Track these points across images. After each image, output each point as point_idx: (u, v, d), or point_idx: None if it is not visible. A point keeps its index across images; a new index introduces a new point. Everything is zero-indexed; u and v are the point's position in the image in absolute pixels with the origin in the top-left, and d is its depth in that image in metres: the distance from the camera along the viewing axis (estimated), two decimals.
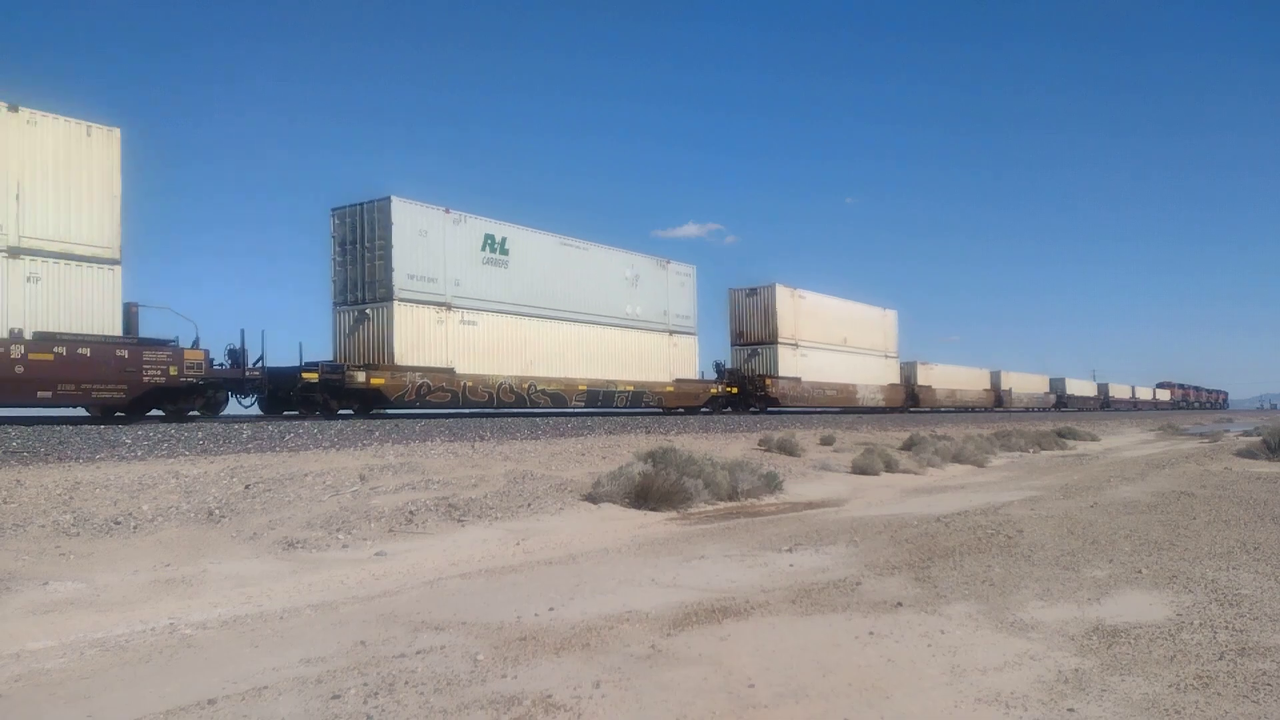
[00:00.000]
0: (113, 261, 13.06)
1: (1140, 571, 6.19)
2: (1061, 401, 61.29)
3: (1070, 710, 3.58)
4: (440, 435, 14.24)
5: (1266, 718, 3.49)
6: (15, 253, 12.08)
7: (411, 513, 8.74)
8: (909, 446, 19.62)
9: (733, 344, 31.24)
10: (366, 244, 17.95)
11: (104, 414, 13.83)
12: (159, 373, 13.43)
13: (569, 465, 12.65)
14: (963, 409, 47.54)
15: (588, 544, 8.04)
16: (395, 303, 17.47)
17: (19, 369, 11.76)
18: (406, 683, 4.00)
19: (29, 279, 12.15)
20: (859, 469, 15.46)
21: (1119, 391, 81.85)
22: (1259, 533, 7.82)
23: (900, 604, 5.36)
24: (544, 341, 20.93)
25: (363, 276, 17.95)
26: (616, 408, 22.97)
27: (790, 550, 7.31)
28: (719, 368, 29.30)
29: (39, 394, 12.08)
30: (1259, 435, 20.54)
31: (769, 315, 30.23)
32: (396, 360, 17.37)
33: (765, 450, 17.03)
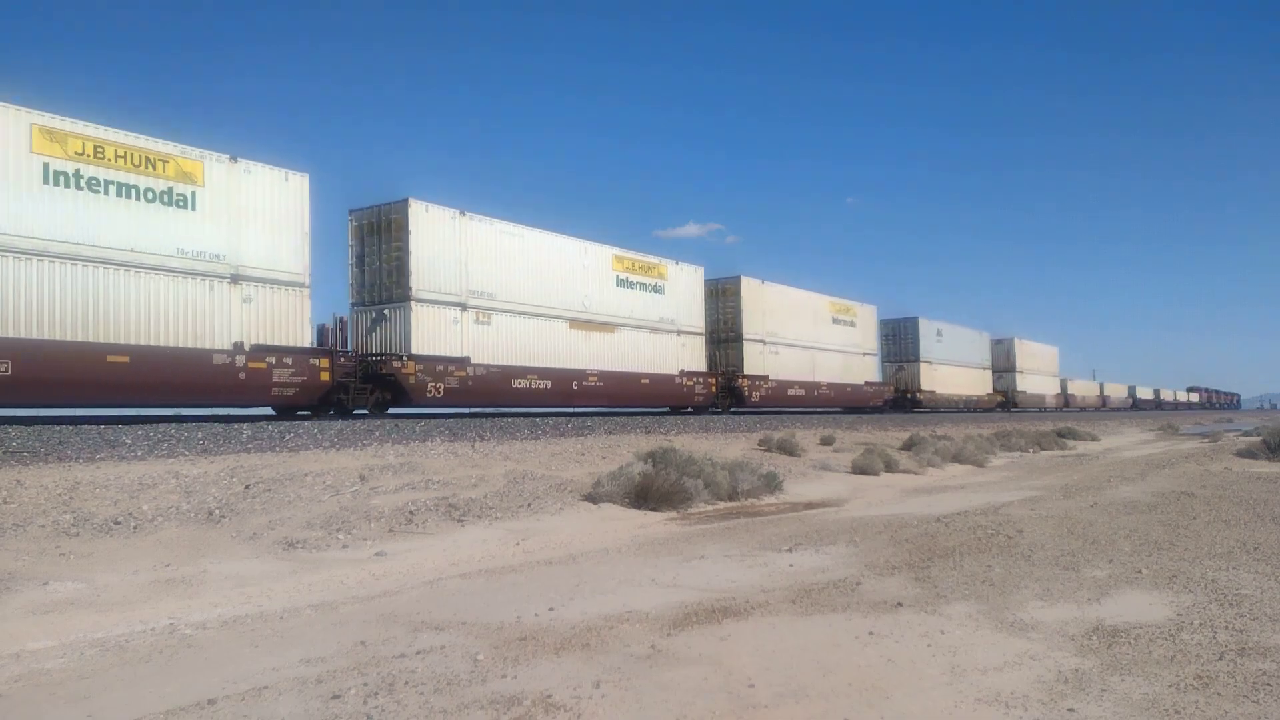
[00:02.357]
0: (303, 285, 15.81)
1: (1140, 571, 6.19)
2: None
3: (1070, 710, 3.58)
4: (440, 435, 14.24)
5: (1266, 718, 3.49)
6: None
7: (411, 513, 8.74)
8: (909, 446, 19.63)
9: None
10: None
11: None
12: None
13: (569, 465, 12.65)
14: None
15: (588, 544, 8.04)
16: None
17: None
18: (406, 683, 4.00)
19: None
20: (859, 469, 15.46)
21: (1143, 393, 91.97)
22: (1259, 533, 7.82)
23: (900, 604, 5.36)
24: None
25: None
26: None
27: (790, 550, 7.31)
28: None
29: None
30: (1259, 435, 20.55)
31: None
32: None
33: (765, 450, 17.03)
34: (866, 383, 36.82)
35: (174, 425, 12.86)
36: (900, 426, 26.96)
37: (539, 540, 8.26)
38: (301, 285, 15.64)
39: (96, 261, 12.92)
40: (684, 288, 26.50)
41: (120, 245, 13.19)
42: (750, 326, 29.27)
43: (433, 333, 18.31)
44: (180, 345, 13.78)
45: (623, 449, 14.48)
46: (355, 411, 17.15)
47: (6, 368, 11.86)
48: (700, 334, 27.15)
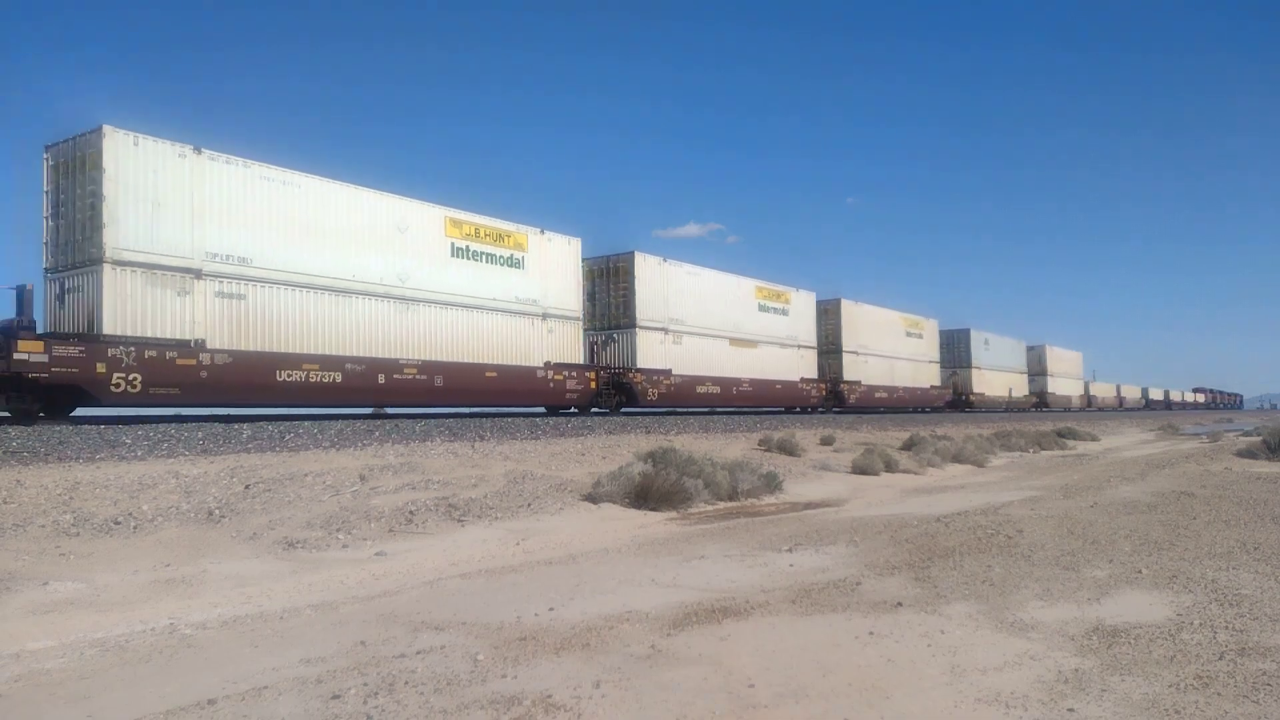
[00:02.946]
0: (578, 319, 22.67)
1: (1140, 571, 6.19)
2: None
3: (1070, 710, 3.58)
4: (440, 435, 14.24)
5: (1266, 718, 3.49)
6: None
7: (411, 513, 8.74)
8: (909, 446, 19.62)
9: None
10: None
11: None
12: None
13: (569, 465, 12.65)
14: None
15: (588, 544, 8.04)
16: None
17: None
18: (406, 683, 4.00)
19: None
20: (859, 469, 15.46)
21: (1155, 394, 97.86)
22: (1259, 533, 7.82)
23: (900, 604, 5.36)
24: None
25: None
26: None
27: (790, 550, 7.31)
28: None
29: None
30: (1259, 435, 20.55)
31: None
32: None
33: (765, 450, 17.03)
34: (931, 386, 42.13)
35: (174, 425, 12.86)
36: (900, 426, 26.97)
37: (539, 540, 8.26)
38: (578, 319, 22.53)
39: (478, 308, 19.63)
40: (803, 309, 32.86)
41: (489, 295, 19.95)
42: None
43: (648, 351, 24.73)
44: (518, 364, 20.41)
45: (622, 449, 14.48)
46: (594, 411, 23.07)
47: (441, 380, 18.32)
48: (814, 347, 33.49)
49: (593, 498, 10.42)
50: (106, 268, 13.37)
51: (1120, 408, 78.04)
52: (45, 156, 14.33)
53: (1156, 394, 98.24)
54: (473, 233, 20.15)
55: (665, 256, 26.06)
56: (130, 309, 13.65)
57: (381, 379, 17.29)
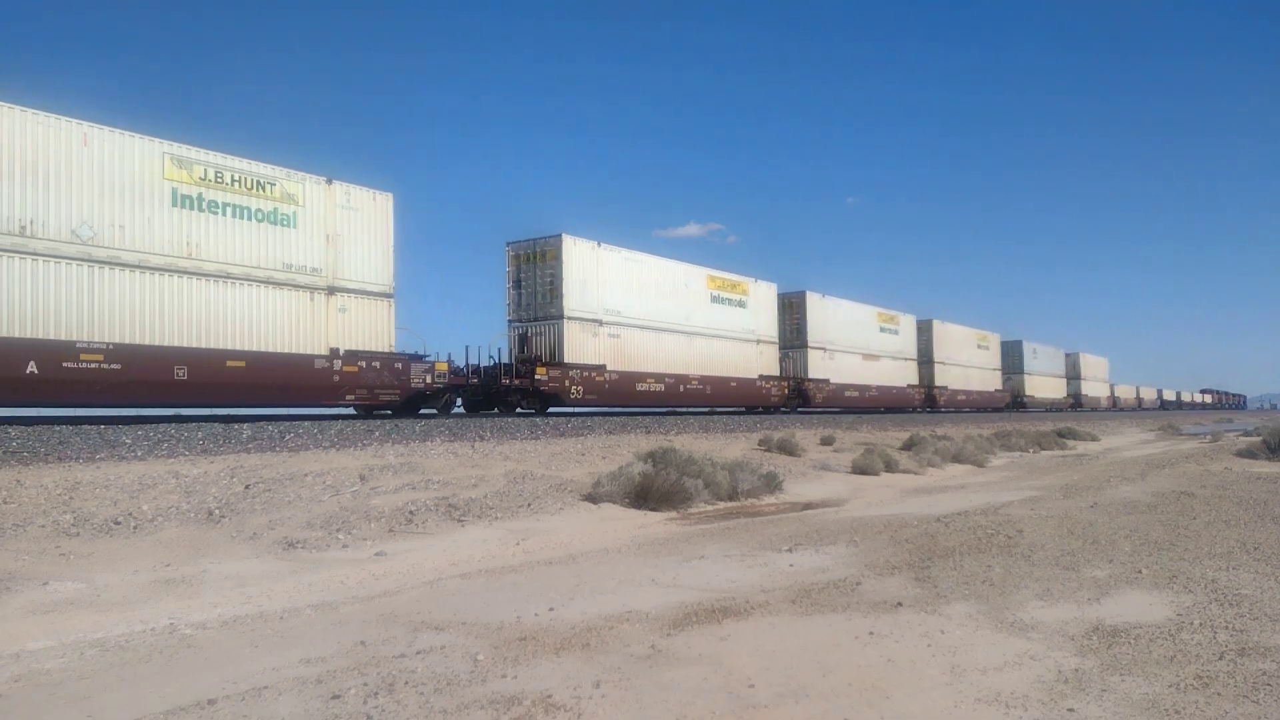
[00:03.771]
0: (388, 295, 17.63)
1: (1140, 571, 6.19)
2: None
3: (1070, 710, 3.58)
4: (440, 435, 14.24)
5: (1266, 718, 3.48)
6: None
7: (411, 513, 8.73)
8: (909, 446, 19.62)
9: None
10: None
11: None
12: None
13: (569, 465, 12.65)
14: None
15: (588, 544, 8.04)
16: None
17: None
18: (406, 683, 4.00)
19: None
20: (859, 469, 15.46)
21: (1168, 395, 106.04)
22: (1259, 533, 7.82)
23: (900, 604, 5.36)
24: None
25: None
26: None
27: (790, 550, 7.31)
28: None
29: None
30: (1259, 435, 20.54)
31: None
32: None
33: (765, 450, 17.03)
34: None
35: (174, 425, 12.86)
36: (900, 426, 26.96)
37: (539, 540, 8.25)
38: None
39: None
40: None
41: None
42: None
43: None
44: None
45: (623, 449, 14.48)
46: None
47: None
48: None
49: (593, 498, 10.42)
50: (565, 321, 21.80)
51: (1139, 408, 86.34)
52: (508, 249, 23.11)
53: (1170, 395, 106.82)
54: (721, 284, 28.28)
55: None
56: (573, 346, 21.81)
57: (681, 388, 25.56)
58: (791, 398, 31.74)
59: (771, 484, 12.21)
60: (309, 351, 15.96)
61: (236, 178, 15.23)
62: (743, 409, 29.99)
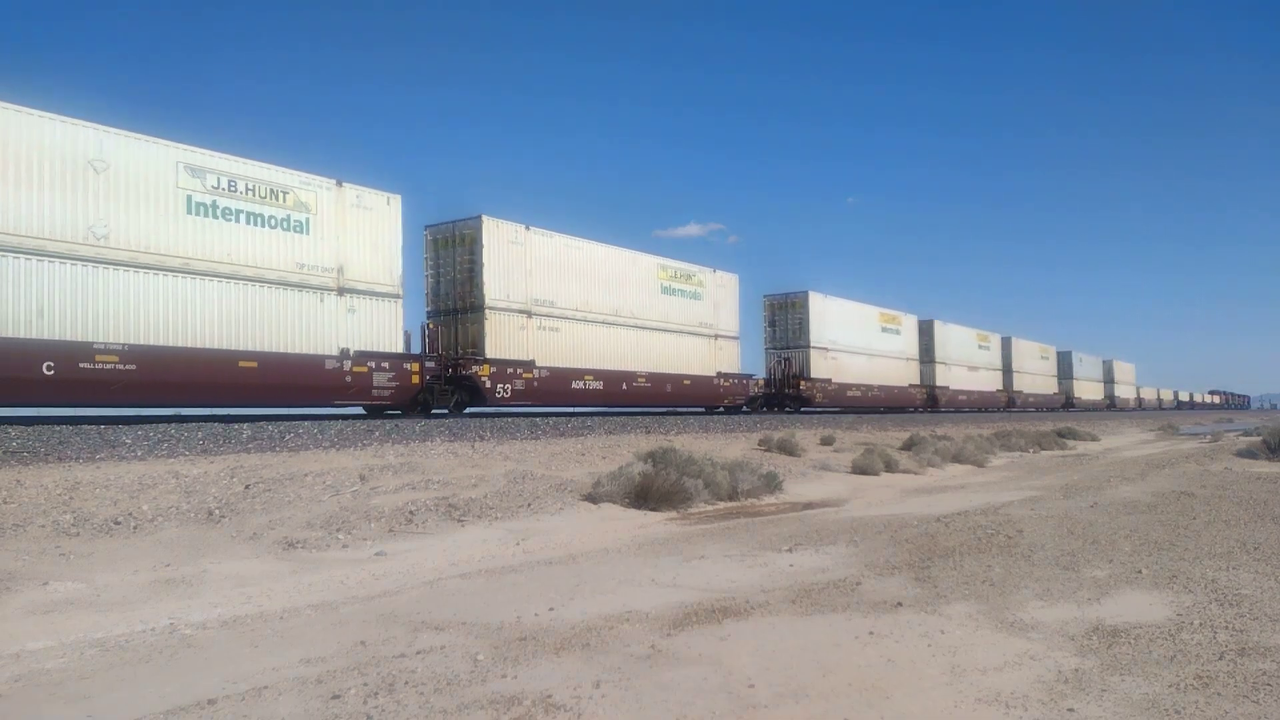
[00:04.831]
0: (396, 296, 17.31)
1: (1140, 571, 6.19)
2: (1140, 403, 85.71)
3: (1070, 710, 3.58)
4: (440, 435, 14.24)
5: (1266, 718, 3.49)
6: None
7: (411, 513, 8.73)
8: (909, 446, 19.62)
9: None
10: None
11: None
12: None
13: (569, 465, 12.65)
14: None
15: (588, 544, 8.04)
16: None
17: (347, 378, 16.23)
18: (406, 683, 4.00)
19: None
20: (859, 469, 15.46)
21: (1183, 396, 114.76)
22: (1259, 533, 7.82)
23: (900, 604, 5.36)
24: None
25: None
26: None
27: (790, 550, 7.31)
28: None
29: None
30: (1259, 435, 20.55)
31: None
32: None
33: (765, 450, 17.03)
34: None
35: (174, 425, 12.86)
36: (900, 427, 26.96)
37: (539, 540, 8.25)
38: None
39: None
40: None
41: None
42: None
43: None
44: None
45: (623, 449, 14.48)
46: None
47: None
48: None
49: (593, 498, 10.42)
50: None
51: (1160, 408, 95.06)
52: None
53: (1184, 396, 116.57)
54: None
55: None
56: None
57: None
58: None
59: (771, 484, 12.21)
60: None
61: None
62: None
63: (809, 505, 11.37)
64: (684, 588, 5.99)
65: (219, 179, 14.74)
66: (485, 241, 19.72)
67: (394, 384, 17.07)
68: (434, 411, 18.46)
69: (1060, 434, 28.75)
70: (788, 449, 16.98)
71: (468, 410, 19.67)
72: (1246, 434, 27.07)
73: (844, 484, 14.09)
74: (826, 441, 20.07)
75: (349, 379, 16.26)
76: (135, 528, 7.51)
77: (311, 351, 15.77)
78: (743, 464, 12.71)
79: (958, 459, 18.79)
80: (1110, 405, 71.25)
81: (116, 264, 13.30)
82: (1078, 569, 6.32)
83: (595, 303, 22.82)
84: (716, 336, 27.69)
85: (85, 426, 11.99)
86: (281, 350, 15.28)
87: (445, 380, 18.85)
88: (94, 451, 10.31)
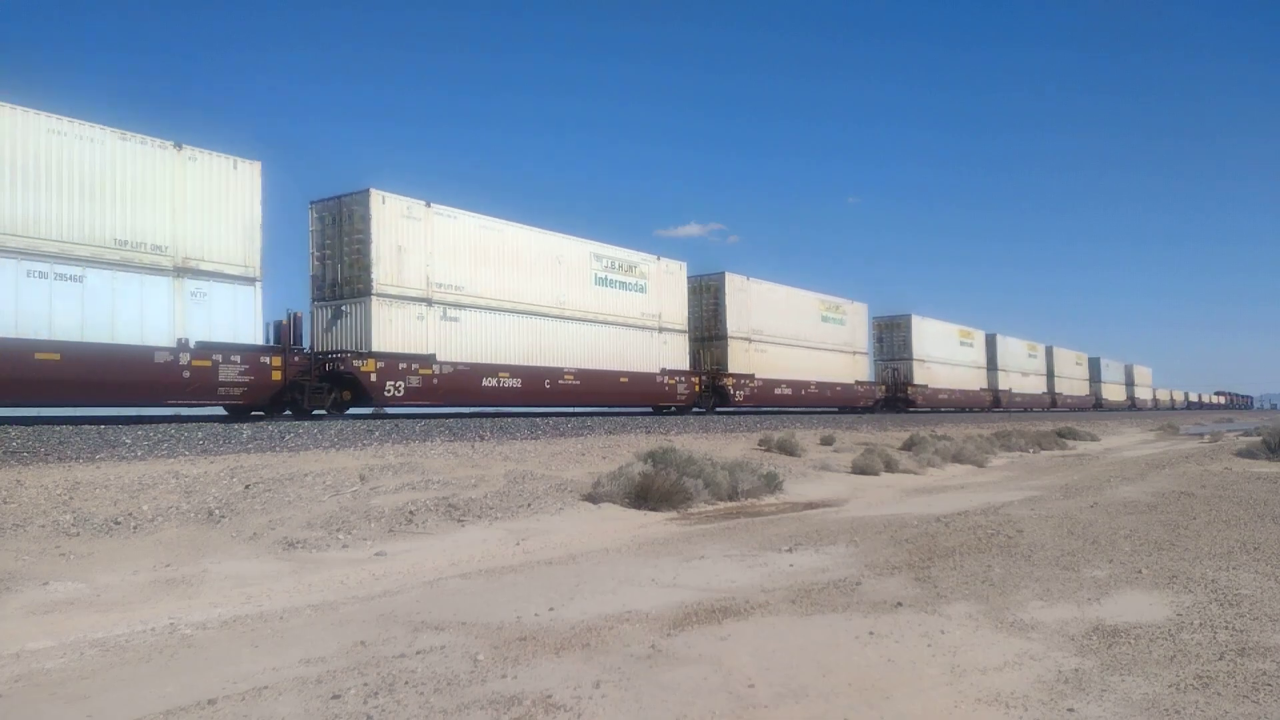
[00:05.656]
0: (253, 280, 14.86)
1: (1140, 571, 6.19)
2: (1156, 404, 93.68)
3: (1070, 710, 3.58)
4: (440, 435, 14.24)
5: (1266, 718, 3.49)
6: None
7: (411, 513, 8.74)
8: (909, 446, 19.63)
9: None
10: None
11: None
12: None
13: (569, 465, 12.65)
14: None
15: (588, 544, 8.04)
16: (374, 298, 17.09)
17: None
18: (406, 683, 4.00)
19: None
20: (859, 469, 15.46)
21: (1193, 397, 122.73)
22: (1259, 533, 7.82)
23: (900, 604, 5.36)
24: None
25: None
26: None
27: (790, 550, 7.31)
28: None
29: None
30: (1259, 435, 20.55)
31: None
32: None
33: (765, 450, 17.04)
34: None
35: (174, 425, 12.86)
36: (900, 427, 26.96)
37: (539, 540, 8.26)
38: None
39: None
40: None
41: None
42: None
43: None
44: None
45: (622, 449, 14.48)
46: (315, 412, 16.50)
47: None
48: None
49: (593, 498, 10.42)
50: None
51: (1173, 408, 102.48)
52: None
53: (1194, 397, 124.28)
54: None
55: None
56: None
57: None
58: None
59: (771, 484, 12.22)
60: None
61: None
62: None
63: (809, 505, 11.37)
64: (684, 588, 5.99)
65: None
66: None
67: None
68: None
69: (1060, 434, 28.73)
70: (788, 449, 16.98)
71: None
72: (1246, 434, 27.07)
73: (844, 484, 14.10)
74: (826, 441, 20.08)
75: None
76: (135, 528, 7.51)
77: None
78: (743, 464, 12.72)
79: (957, 459, 18.80)
80: (1131, 405, 79.48)
81: None
82: (1078, 569, 6.32)
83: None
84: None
85: (85, 426, 11.99)
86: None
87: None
88: (94, 451, 10.31)
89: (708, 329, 28.10)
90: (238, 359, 14.41)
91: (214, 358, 14.09)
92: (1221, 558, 6.65)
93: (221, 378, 14.18)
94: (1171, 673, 4.00)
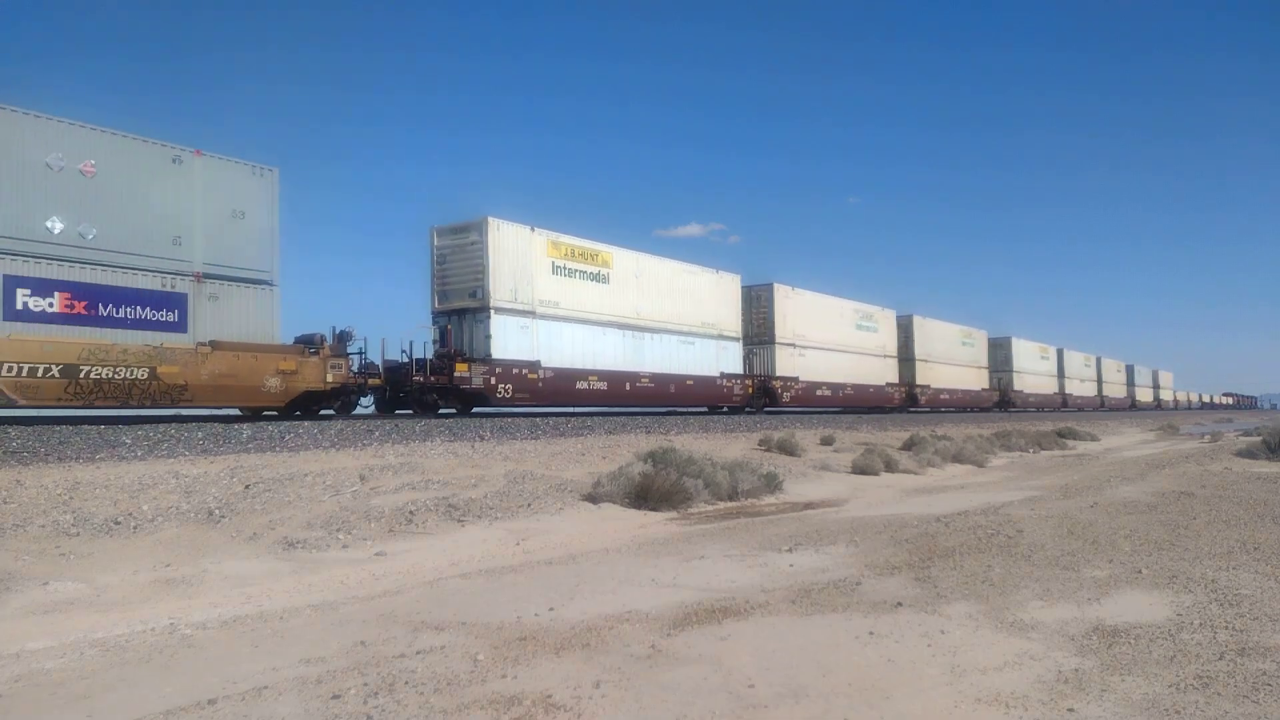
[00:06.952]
0: (267, 282, 15.24)
1: (1140, 571, 6.19)
2: (1176, 404, 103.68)
3: (1070, 710, 3.58)
4: (440, 435, 14.24)
5: (1266, 718, 3.49)
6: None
7: (411, 513, 8.74)
8: (909, 446, 19.63)
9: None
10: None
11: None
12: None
13: (569, 465, 12.65)
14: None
15: (588, 544, 8.04)
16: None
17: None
18: (406, 683, 4.00)
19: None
20: (859, 469, 15.46)
21: (1205, 398, 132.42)
22: (1259, 533, 7.83)
23: (900, 604, 5.36)
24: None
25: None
26: None
27: (790, 550, 7.31)
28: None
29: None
30: (1259, 435, 20.55)
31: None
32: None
33: (765, 450, 17.03)
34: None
35: (174, 425, 12.86)
36: (901, 427, 26.96)
37: (539, 540, 8.26)
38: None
39: None
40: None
41: None
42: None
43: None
44: None
45: (623, 449, 14.48)
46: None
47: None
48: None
49: (593, 498, 10.42)
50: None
51: (1190, 409, 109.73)
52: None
53: (1207, 397, 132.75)
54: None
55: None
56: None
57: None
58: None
59: (771, 484, 12.22)
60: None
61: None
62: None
63: (809, 505, 11.37)
64: (684, 588, 5.99)
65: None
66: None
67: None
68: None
69: (1060, 434, 28.72)
70: (787, 449, 16.98)
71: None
72: (1246, 434, 27.07)
73: (844, 484, 14.10)
74: (826, 441, 20.07)
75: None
76: (135, 528, 7.51)
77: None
78: (742, 464, 12.71)
79: (958, 459, 18.79)
80: (1156, 405, 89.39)
81: None
82: (1078, 569, 6.32)
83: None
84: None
85: (85, 426, 12.00)
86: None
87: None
88: (94, 451, 10.31)
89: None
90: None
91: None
92: (1221, 558, 6.65)
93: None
94: (1171, 673, 4.00)
